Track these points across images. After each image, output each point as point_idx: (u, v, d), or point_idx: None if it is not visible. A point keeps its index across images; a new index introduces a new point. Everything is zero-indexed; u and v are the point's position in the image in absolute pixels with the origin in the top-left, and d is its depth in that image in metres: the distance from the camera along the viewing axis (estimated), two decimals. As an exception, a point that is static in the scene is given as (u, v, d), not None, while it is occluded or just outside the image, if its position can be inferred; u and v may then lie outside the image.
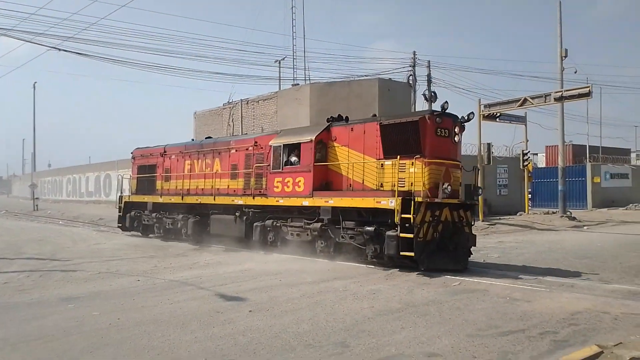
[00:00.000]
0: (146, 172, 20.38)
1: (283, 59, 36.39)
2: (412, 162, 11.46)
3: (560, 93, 23.94)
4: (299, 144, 13.70)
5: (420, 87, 31.86)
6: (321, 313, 7.46)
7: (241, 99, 32.22)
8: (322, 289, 9.42)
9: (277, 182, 14.23)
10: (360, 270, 11.79)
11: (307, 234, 13.44)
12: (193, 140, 20.57)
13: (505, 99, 27.07)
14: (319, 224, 12.95)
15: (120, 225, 21.22)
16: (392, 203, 11.37)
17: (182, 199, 17.93)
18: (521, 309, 7.72)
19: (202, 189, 17.46)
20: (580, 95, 23.15)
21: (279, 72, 36.55)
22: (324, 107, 24.90)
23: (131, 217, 20.57)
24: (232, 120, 32.28)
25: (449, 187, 11.31)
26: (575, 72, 28.12)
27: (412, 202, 11.01)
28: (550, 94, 24.13)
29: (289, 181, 13.90)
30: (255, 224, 14.92)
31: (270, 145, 14.51)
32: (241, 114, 31.84)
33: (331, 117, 14.14)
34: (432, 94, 31.89)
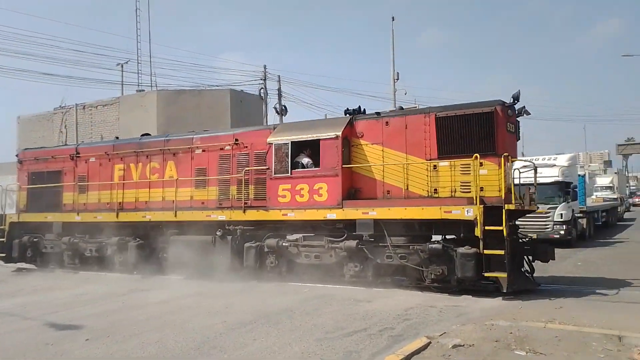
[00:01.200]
0: (45, 181, 14.88)
1: (126, 62, 33.02)
2: (481, 162, 9.48)
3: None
4: (317, 140, 10.75)
5: (271, 100, 31.69)
6: (170, 334, 7.01)
7: (76, 104, 29.47)
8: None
9: (284, 190, 11.02)
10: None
11: (331, 255, 10.55)
12: (117, 138, 15.69)
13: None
14: (355, 242, 10.18)
15: (3, 255, 15.19)
16: (469, 212, 9.22)
17: (116, 216, 13.30)
18: (364, 309, 8.24)
19: (146, 202, 13.16)
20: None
21: (122, 76, 33.32)
22: (172, 116, 24.51)
23: (22, 243, 14.87)
24: (65, 126, 29.59)
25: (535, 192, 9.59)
26: (406, 94, 31.51)
27: (503, 210, 9.00)
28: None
29: (302, 189, 10.82)
30: (247, 245, 11.44)
31: (270, 143, 11.23)
32: (76, 120, 29.13)
33: (349, 109, 11.46)
34: (283, 107, 31.48)
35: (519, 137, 10.46)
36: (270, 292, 10.09)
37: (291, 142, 10.98)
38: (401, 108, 11.82)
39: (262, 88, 30.74)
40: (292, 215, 10.84)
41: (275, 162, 11.11)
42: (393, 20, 28.87)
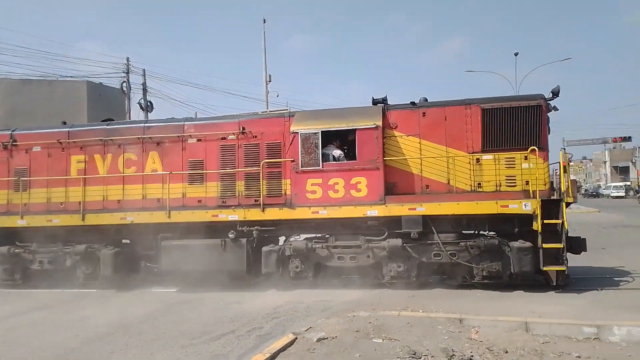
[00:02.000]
0: None
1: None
2: (525, 156, 9.41)
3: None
4: (353, 130, 9.75)
5: (135, 95, 29.51)
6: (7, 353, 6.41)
7: None
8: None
9: (314, 184, 9.82)
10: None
11: (368, 256, 9.67)
12: (65, 123, 12.59)
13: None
14: (399, 240, 9.43)
15: None
16: (527, 207, 9.05)
17: (82, 219, 10.76)
18: (233, 311, 8.17)
19: (119, 201, 10.87)
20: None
21: (-51, 63, 29.56)
22: (18, 107, 22.82)
23: None
24: None
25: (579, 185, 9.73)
26: (278, 96, 31.94)
27: (563, 204, 8.97)
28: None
29: (337, 183, 9.73)
30: (266, 249, 10.00)
31: (296, 132, 9.92)
32: None
33: (375, 98, 10.64)
34: (149, 103, 29.67)
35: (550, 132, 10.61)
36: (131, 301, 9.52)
37: (321, 131, 9.81)
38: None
39: (124, 82, 28.20)
40: (325, 213, 9.69)
41: (302, 154, 9.83)
42: (265, 22, 28.34)
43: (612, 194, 58.09)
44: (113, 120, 11.93)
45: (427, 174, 9.92)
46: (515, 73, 62.28)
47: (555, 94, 9.82)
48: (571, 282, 9.44)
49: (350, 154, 9.92)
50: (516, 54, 39.18)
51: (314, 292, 9.42)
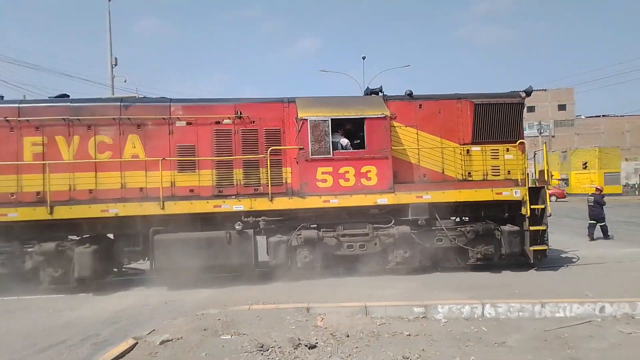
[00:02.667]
0: None
1: None
2: (507, 148, 10.56)
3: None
4: (362, 120, 9.82)
5: None
6: None
7: None
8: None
9: (324, 173, 9.68)
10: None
11: (375, 244, 9.93)
12: (24, 99, 10.20)
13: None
14: (407, 227, 9.84)
15: None
16: (517, 193, 10.14)
17: (49, 212, 9.07)
18: (65, 319, 7.41)
19: (91, 191, 9.46)
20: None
21: None
22: None
23: None
24: None
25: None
26: (125, 81, 31.52)
27: (546, 190, 10.23)
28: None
29: (347, 172, 9.74)
30: (274, 240, 9.61)
31: (305, 119, 9.64)
32: None
33: (369, 88, 10.83)
34: None
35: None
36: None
37: (331, 119, 9.69)
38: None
39: None
40: (336, 202, 9.64)
41: (312, 142, 9.61)
42: (110, 0, 26.04)
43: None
44: (68, 96, 10.19)
45: (424, 163, 10.45)
46: (363, 75, 70.41)
47: (528, 93, 11.05)
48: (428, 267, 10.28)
49: (357, 143, 9.97)
50: (364, 58, 44.70)
51: (159, 293, 9.02)
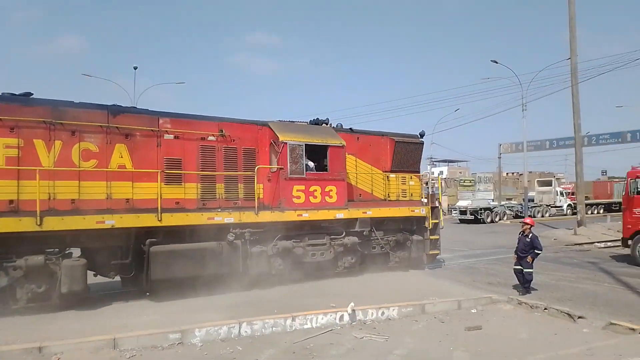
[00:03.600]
0: None
1: None
2: (411, 177, 13.96)
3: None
4: (326, 147, 11.68)
5: None
6: None
7: None
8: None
9: (298, 190, 11.17)
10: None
11: (330, 252, 11.87)
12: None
13: None
14: (356, 237, 12.08)
15: None
16: (422, 211, 13.45)
17: (38, 222, 8.14)
18: None
19: (73, 201, 8.87)
20: None
21: None
22: None
23: None
24: None
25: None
26: None
27: (440, 209, 13.81)
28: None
29: (315, 190, 11.43)
30: (257, 250, 10.59)
31: (285, 142, 10.97)
32: None
33: (313, 120, 12.79)
34: None
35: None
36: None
37: (305, 144, 11.26)
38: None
39: None
40: (307, 216, 11.20)
41: (290, 163, 10.99)
42: None
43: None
44: (31, 94, 9.16)
45: (360, 185, 12.88)
46: (134, 86, 71.22)
47: (422, 135, 14.63)
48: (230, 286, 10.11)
49: (319, 166, 11.73)
50: (135, 68, 41.95)
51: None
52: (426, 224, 13.42)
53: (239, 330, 7.10)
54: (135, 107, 10.25)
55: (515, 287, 10.98)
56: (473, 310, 8.93)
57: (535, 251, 10.42)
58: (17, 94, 8.84)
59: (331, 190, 11.64)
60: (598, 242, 20.30)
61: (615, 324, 7.68)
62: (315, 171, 11.58)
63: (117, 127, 9.36)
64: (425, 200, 13.79)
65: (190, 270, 9.53)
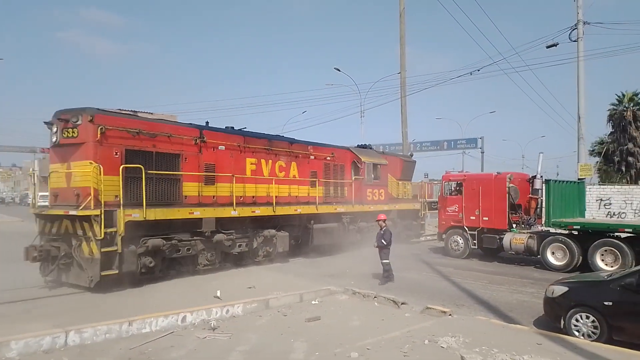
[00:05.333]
0: (153, 165, 10.94)
1: None
2: (408, 183, 21.56)
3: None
4: (379, 165, 18.58)
5: None
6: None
7: None
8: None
9: (369, 192, 18.13)
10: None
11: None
12: (232, 128, 13.65)
13: None
14: (390, 222, 19.12)
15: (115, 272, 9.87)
16: (417, 205, 21.06)
17: (273, 210, 13.73)
18: None
19: (276, 197, 14.29)
20: None
21: None
22: None
23: (146, 250, 10.54)
24: None
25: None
26: None
27: (425, 204, 21.64)
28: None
29: (375, 192, 18.46)
30: (351, 228, 17.07)
31: (365, 162, 17.74)
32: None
33: (361, 144, 19.54)
34: None
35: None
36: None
37: (372, 163, 18.00)
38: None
39: None
40: (372, 208, 17.94)
41: (367, 175, 17.71)
42: None
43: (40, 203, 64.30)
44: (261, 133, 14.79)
45: (389, 189, 19.91)
46: None
47: (412, 156, 22.22)
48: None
49: (375, 177, 18.44)
50: None
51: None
52: (420, 214, 20.97)
53: (66, 340, 6.52)
54: (298, 139, 15.78)
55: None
56: (314, 302, 9.23)
57: (383, 242, 11.61)
58: (238, 128, 13.98)
59: (381, 192, 18.58)
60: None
61: (430, 308, 8.46)
62: (373, 180, 18.32)
63: (292, 151, 15.13)
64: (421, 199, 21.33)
65: (329, 240, 15.65)
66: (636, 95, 27.73)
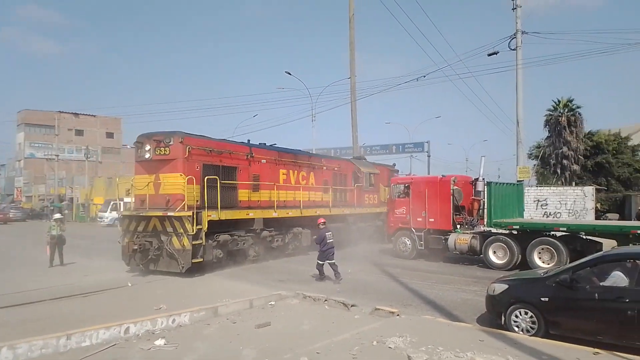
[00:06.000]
0: (220, 177, 13.84)
1: None
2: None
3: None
4: (373, 174, 21.89)
5: None
6: None
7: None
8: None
9: (366, 197, 21.44)
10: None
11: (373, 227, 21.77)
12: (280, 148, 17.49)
13: None
14: (381, 222, 21.65)
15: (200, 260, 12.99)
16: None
17: (300, 212, 17.30)
18: None
19: (299, 201, 17.37)
20: None
21: None
22: None
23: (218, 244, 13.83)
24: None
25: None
26: None
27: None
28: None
29: (371, 197, 21.87)
30: (352, 227, 20.00)
31: (364, 172, 21.06)
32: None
33: (357, 156, 23.75)
34: None
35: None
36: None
37: (370, 173, 21.44)
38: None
39: None
40: (368, 210, 21.28)
41: (365, 183, 21.02)
42: None
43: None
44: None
45: (380, 194, 22.60)
46: None
47: (394, 165, 24.49)
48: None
49: (370, 183, 21.61)
50: None
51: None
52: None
53: (-4, 359, 6.13)
54: (314, 153, 19.93)
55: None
56: (264, 308, 9.06)
57: (316, 243, 12.60)
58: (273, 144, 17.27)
59: (375, 197, 22.12)
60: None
61: (379, 309, 8.46)
62: (369, 187, 21.57)
63: (310, 163, 18.41)
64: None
65: (338, 237, 17.30)
66: (570, 101, 29.72)
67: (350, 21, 24.81)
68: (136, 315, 7.87)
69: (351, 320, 8.11)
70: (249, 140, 16.53)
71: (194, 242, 12.42)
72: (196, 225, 12.47)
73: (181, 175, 12.58)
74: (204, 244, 12.77)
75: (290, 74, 36.26)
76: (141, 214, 13.00)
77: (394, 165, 26.54)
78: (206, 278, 12.88)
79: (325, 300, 9.29)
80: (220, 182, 13.46)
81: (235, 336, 7.28)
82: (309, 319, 8.14)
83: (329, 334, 7.22)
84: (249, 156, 15.30)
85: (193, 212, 12.42)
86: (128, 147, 66.91)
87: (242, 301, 9.14)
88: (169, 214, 12.43)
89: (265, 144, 16.81)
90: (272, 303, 9.32)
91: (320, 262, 12.20)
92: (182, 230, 12.37)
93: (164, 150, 12.95)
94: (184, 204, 12.33)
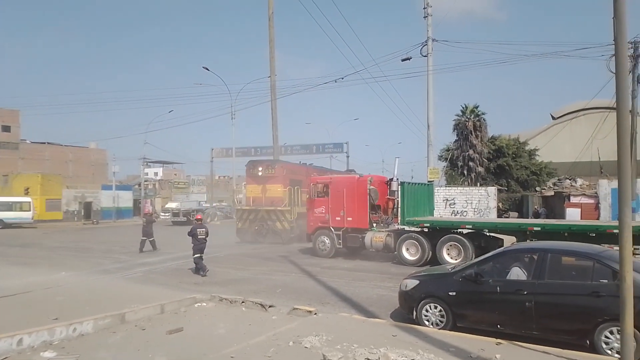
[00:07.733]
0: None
1: None
2: None
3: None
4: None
5: None
6: None
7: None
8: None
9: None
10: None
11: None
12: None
13: None
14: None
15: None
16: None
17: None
18: None
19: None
20: None
21: None
22: None
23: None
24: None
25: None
26: None
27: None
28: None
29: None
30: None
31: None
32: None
33: (349, 169, 25.00)
34: None
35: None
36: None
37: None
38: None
39: None
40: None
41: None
42: None
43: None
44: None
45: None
46: None
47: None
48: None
49: None
50: None
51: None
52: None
53: None
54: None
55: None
56: (176, 313, 8.62)
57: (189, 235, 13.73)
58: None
59: None
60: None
61: (297, 309, 8.39)
62: None
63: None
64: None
65: None
66: (476, 107, 31.72)
67: (270, 19, 24.71)
68: (32, 325, 7.18)
69: (268, 321, 7.92)
70: (305, 164, 26.21)
71: (289, 226, 21.82)
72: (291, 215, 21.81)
73: (281, 186, 22.23)
74: (294, 227, 21.98)
75: (208, 69, 36.97)
76: (257, 208, 22.53)
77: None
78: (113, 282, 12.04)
79: (243, 302, 9.06)
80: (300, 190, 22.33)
81: (144, 343, 6.83)
82: (224, 322, 7.85)
83: (245, 336, 7.00)
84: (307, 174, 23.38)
85: (291, 208, 21.95)
86: (28, 142, 62.04)
87: (153, 306, 8.58)
88: (279, 208, 21.90)
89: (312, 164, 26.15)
90: (184, 309, 8.85)
91: (197, 255, 13.37)
92: (283, 218, 21.77)
93: (270, 170, 22.76)
94: (285, 203, 21.87)
